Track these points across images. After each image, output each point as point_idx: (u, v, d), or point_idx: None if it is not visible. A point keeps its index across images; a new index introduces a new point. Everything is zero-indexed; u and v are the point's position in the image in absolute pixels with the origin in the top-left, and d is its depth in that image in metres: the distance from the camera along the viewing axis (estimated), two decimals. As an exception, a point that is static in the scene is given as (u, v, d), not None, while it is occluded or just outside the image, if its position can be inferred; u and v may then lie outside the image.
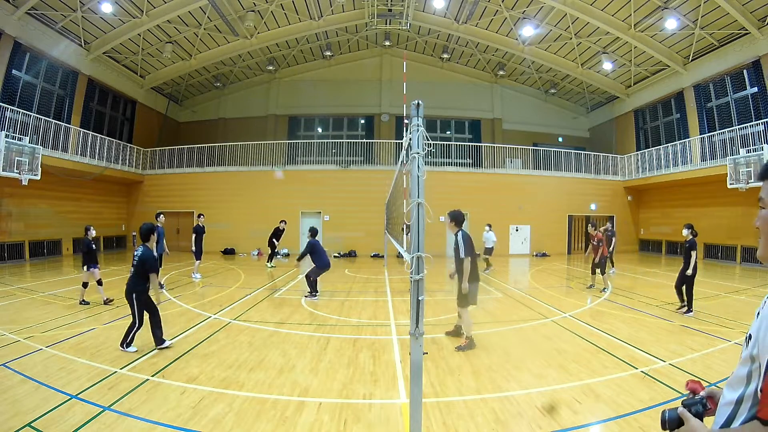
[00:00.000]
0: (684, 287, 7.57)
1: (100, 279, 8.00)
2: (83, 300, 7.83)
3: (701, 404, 1.19)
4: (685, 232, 7.75)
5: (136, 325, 5.32)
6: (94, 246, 8.10)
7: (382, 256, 16.45)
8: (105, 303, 7.81)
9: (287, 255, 17.90)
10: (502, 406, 3.86)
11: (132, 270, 5.43)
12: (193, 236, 11.55)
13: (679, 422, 1.17)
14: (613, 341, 5.89)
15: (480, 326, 6.84)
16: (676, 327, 6.66)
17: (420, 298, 2.94)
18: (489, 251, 14.11)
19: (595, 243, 10.20)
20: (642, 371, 4.67)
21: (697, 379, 1.31)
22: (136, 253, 5.43)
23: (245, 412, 3.67)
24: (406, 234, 8.58)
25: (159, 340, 5.40)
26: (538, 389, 4.25)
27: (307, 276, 9.08)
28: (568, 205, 19.66)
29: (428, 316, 6.99)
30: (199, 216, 12.16)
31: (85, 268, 7.90)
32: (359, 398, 4.03)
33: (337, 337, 6.11)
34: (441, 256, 18.17)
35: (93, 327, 6.32)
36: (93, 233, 8.13)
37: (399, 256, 15.34)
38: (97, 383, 4.19)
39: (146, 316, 5.41)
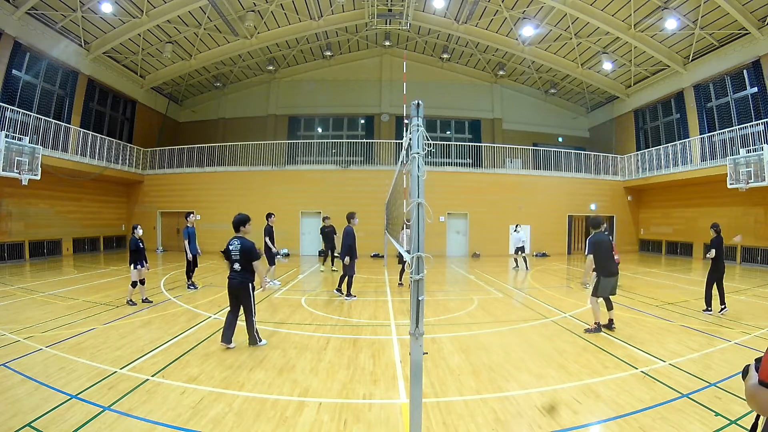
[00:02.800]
0: (715, 286, 7.58)
1: (144, 279, 8.04)
2: (130, 300, 7.88)
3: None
4: (711, 232, 7.89)
5: (254, 315, 5.50)
6: (141, 244, 8.04)
7: (382, 256, 16.45)
8: (143, 302, 7.97)
9: (287, 255, 17.91)
10: (502, 406, 3.86)
11: (237, 264, 5.41)
12: (266, 239, 10.34)
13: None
14: (613, 341, 5.89)
15: (480, 326, 6.84)
16: (676, 327, 6.66)
17: (420, 298, 2.94)
18: (520, 249, 14.34)
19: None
20: (642, 371, 4.67)
21: None
22: (231, 247, 5.43)
23: (245, 412, 3.67)
24: (406, 227, 8.66)
25: (254, 338, 5.55)
26: (538, 389, 4.25)
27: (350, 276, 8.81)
28: (568, 205, 19.66)
29: (428, 316, 6.99)
30: (269, 216, 10.57)
31: (132, 266, 7.84)
32: (359, 398, 4.02)
33: (337, 337, 6.11)
34: (441, 256, 18.19)
35: (93, 327, 6.32)
36: (140, 232, 8.13)
37: (399, 255, 15.35)
38: (97, 383, 4.19)
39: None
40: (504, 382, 4.42)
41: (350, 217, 8.99)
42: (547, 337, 6.18)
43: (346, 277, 8.82)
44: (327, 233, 13.29)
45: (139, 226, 8.23)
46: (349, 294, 8.79)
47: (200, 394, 4.03)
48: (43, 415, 3.47)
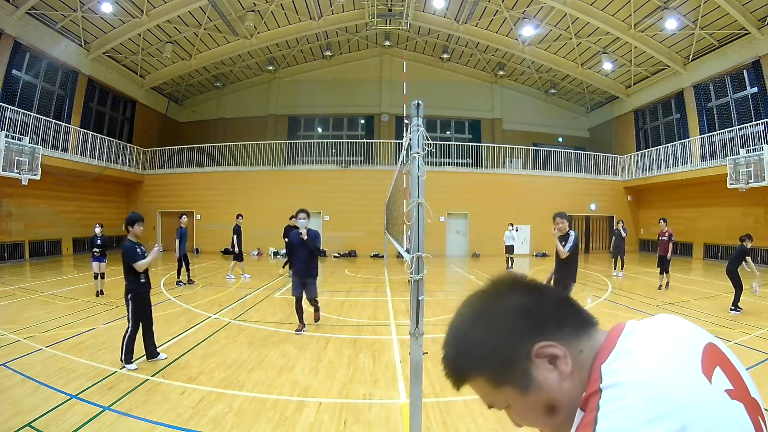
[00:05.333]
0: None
1: (96, 273, 8.71)
2: (100, 291, 8.69)
3: None
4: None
5: (128, 331, 4.72)
6: (98, 242, 8.78)
7: (382, 256, 16.45)
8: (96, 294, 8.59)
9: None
10: (502, 406, 3.85)
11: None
12: (234, 237, 11.15)
13: None
14: (613, 341, 5.87)
15: (480, 326, 6.83)
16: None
17: (420, 298, 2.94)
18: (509, 249, 14.18)
19: (666, 238, 10.03)
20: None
21: None
22: None
23: (245, 412, 3.67)
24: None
25: (152, 353, 4.95)
26: (538, 389, 4.24)
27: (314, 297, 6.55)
28: (568, 205, 19.38)
29: (428, 316, 6.96)
30: (238, 216, 11.58)
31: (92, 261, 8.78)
32: (359, 398, 4.03)
33: (337, 337, 6.11)
34: (441, 256, 18.18)
35: (93, 327, 6.32)
36: (96, 231, 8.90)
37: (399, 256, 15.35)
38: (97, 383, 4.19)
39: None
40: (504, 382, 4.41)
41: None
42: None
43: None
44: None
45: (97, 225, 8.97)
46: (302, 324, 6.34)
47: (200, 394, 4.03)
48: (43, 415, 3.47)
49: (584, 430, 0.56)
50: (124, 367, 4.62)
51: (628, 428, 0.51)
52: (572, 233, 5.66)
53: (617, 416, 0.53)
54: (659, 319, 0.68)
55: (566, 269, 5.63)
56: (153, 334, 4.98)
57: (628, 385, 0.55)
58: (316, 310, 6.67)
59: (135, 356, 4.80)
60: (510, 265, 14.48)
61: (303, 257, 6.28)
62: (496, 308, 0.68)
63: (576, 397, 0.62)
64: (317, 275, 6.48)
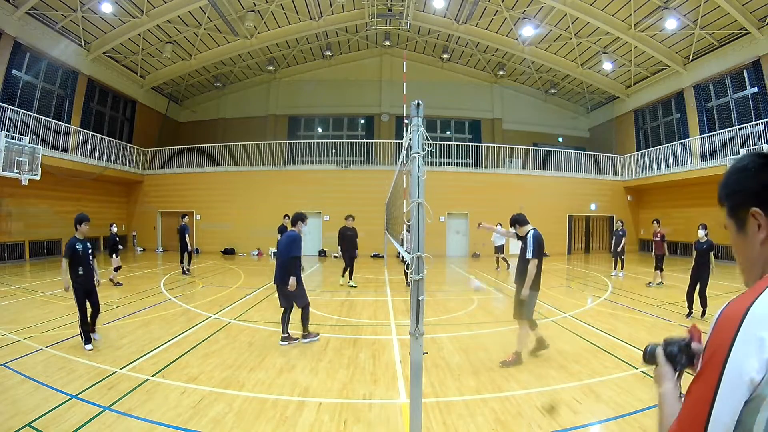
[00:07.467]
0: (698, 291, 7.39)
1: (119, 266, 10.04)
2: (119, 282, 9.95)
3: (678, 346, 1.08)
4: (701, 233, 7.82)
5: (79, 316, 5.32)
6: (117, 239, 10.26)
7: (382, 256, 16.45)
8: (114, 284, 9.83)
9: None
10: (502, 406, 3.86)
11: None
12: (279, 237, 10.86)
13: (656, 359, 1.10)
14: (613, 341, 5.89)
15: (480, 326, 6.84)
16: (675, 327, 6.67)
17: (420, 298, 2.94)
18: (499, 249, 14.14)
19: (658, 239, 10.58)
20: (642, 371, 4.66)
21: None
22: None
23: (245, 412, 3.67)
24: (406, 229, 8.48)
25: (85, 336, 5.33)
26: (538, 389, 4.25)
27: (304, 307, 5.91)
28: (568, 205, 19.65)
29: (428, 316, 6.98)
30: (285, 217, 10.46)
31: (114, 256, 9.97)
32: (359, 398, 4.03)
33: (337, 337, 6.11)
34: (441, 256, 18.19)
35: (93, 327, 6.31)
36: (114, 229, 10.48)
37: (399, 256, 15.35)
38: (97, 383, 4.19)
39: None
40: (504, 382, 4.42)
41: (299, 218, 5.99)
42: (547, 338, 6.17)
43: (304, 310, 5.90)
44: (349, 237, 10.65)
45: (114, 224, 10.59)
46: (307, 333, 5.85)
47: (200, 394, 4.03)
48: (43, 415, 3.47)
49: None
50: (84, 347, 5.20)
51: None
52: (530, 234, 5.05)
53: None
54: None
55: (525, 274, 5.00)
56: (95, 320, 5.60)
57: None
58: (304, 320, 5.96)
59: (132, 358, 4.86)
60: (498, 265, 14.40)
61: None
62: (754, 172, 0.93)
63: (762, 263, 0.90)
64: (287, 280, 5.71)
